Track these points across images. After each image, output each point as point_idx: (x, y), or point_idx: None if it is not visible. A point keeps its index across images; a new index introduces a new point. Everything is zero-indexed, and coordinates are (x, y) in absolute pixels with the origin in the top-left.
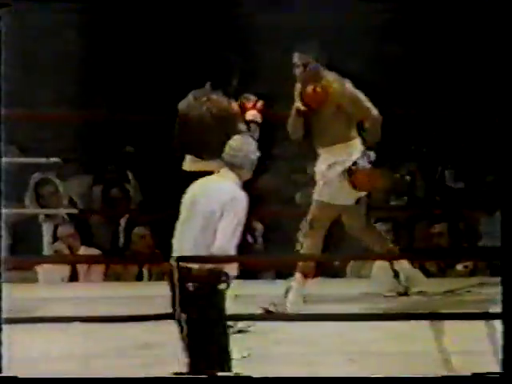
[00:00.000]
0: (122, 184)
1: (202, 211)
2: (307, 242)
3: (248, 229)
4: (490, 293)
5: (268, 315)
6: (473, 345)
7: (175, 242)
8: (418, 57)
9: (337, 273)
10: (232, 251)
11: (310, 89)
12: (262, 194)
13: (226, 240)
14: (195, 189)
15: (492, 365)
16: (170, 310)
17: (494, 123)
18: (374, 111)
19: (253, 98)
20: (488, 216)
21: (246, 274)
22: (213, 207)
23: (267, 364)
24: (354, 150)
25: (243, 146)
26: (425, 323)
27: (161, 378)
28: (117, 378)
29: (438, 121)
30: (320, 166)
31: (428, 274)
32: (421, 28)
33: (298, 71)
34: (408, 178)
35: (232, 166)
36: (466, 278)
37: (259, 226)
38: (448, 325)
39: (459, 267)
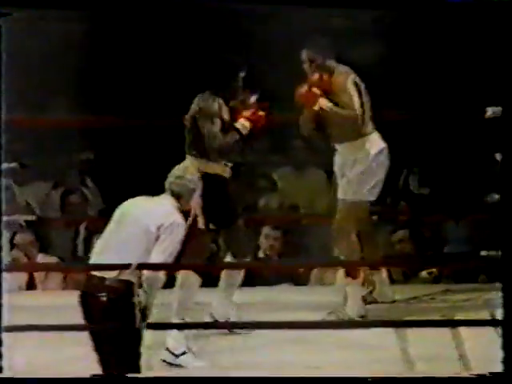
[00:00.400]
0: (80, 190)
1: (137, 229)
2: (341, 246)
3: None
4: (455, 300)
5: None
6: (437, 351)
7: (97, 254)
8: (383, 58)
9: (300, 280)
10: (162, 276)
11: (303, 88)
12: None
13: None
14: (132, 206)
15: (457, 370)
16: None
17: (460, 126)
18: (353, 113)
19: (253, 102)
20: (454, 222)
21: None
22: (150, 227)
23: None
24: (373, 145)
25: (183, 174)
26: (389, 330)
27: (161, 378)
28: (117, 378)
29: (402, 124)
30: (339, 164)
31: (392, 280)
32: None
33: (305, 67)
34: None
35: (172, 193)
36: (431, 284)
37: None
38: (412, 331)
39: (424, 274)
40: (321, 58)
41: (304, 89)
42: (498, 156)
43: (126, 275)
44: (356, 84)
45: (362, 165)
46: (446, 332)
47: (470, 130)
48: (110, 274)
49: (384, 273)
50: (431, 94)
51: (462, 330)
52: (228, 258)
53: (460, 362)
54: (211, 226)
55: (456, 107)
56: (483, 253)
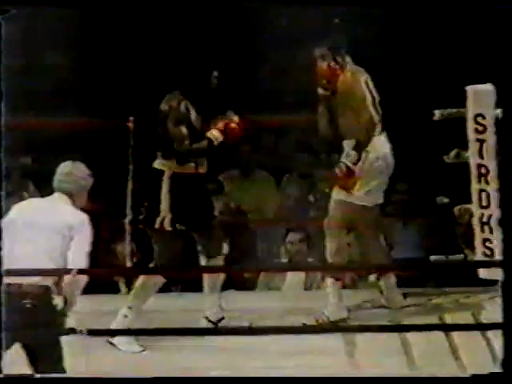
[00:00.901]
0: (21, 193)
1: (49, 233)
2: (329, 245)
3: None
4: (403, 304)
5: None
6: (385, 357)
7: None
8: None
9: (247, 285)
10: (83, 281)
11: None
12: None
13: (83, 262)
14: (30, 210)
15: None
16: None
17: (409, 128)
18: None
19: (232, 118)
20: (402, 225)
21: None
22: (62, 230)
23: None
24: (375, 149)
25: (72, 171)
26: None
27: (161, 378)
28: (117, 378)
29: None
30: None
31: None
32: None
33: (318, 63)
34: (328, 189)
35: (63, 191)
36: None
37: None
38: (361, 337)
39: (372, 278)
40: (332, 56)
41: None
42: (446, 158)
43: (46, 281)
44: (367, 85)
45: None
46: (395, 337)
47: (419, 131)
48: (30, 281)
49: (392, 278)
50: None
51: (410, 336)
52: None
53: (408, 367)
54: (178, 227)
55: (406, 109)
56: (432, 258)
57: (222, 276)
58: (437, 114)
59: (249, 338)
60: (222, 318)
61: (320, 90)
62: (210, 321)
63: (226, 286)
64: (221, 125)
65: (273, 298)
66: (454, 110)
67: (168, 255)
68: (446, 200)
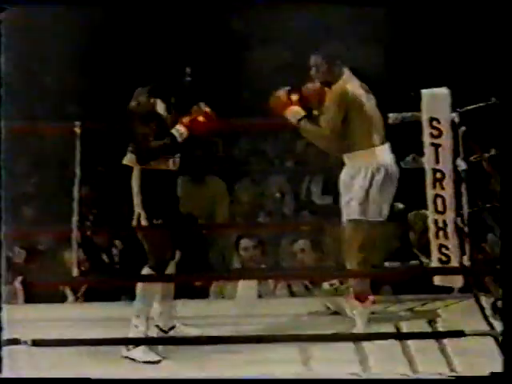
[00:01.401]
0: None
1: None
2: (352, 264)
3: (104, 248)
4: None
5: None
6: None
7: None
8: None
9: (199, 293)
10: None
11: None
12: (123, 210)
13: None
14: None
15: None
16: None
17: None
18: (325, 131)
19: (198, 107)
20: None
21: None
22: None
23: None
24: (373, 160)
25: None
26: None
27: (161, 379)
28: (117, 378)
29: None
30: (343, 179)
31: (292, 293)
32: None
33: (312, 72)
34: (278, 194)
35: None
36: (334, 297)
37: (118, 245)
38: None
39: (326, 286)
40: (326, 65)
41: (280, 93)
42: (402, 164)
43: None
44: (347, 97)
45: (361, 180)
46: (349, 346)
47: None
48: None
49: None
50: None
51: (365, 344)
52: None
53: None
54: (155, 221)
55: None
56: (387, 264)
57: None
58: (391, 117)
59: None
60: (173, 327)
61: (315, 112)
62: (160, 329)
63: (177, 295)
64: (186, 119)
65: (226, 306)
66: (409, 114)
67: (156, 249)
68: (401, 206)
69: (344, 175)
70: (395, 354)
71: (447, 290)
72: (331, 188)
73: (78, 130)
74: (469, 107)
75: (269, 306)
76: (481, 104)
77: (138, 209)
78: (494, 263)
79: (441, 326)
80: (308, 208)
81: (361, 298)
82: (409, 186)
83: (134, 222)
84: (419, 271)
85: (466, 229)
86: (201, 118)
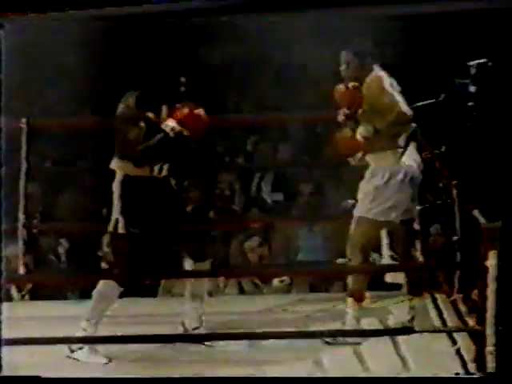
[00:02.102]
0: None
1: None
2: (353, 262)
3: (50, 247)
4: (308, 310)
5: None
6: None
7: None
8: None
9: (148, 292)
10: None
11: (339, 88)
12: (68, 209)
13: None
14: None
15: None
16: None
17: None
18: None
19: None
20: (307, 230)
21: None
22: None
23: None
24: (399, 160)
25: None
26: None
27: (160, 379)
28: (117, 378)
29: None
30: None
31: (242, 290)
32: None
33: (342, 69)
34: (228, 192)
35: None
36: (284, 295)
37: (65, 243)
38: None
39: (275, 283)
40: (357, 61)
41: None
42: (352, 161)
43: None
44: (393, 87)
45: (377, 180)
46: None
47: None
48: None
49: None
50: None
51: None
52: (187, 264)
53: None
54: (131, 230)
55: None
56: (339, 260)
57: (205, 283)
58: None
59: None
60: (197, 328)
61: (341, 117)
62: (185, 328)
63: (126, 293)
64: (178, 113)
65: (175, 304)
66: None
67: (124, 259)
68: (352, 203)
69: (366, 174)
70: (346, 351)
71: (397, 287)
72: (282, 185)
73: (24, 127)
74: (419, 104)
75: (218, 303)
76: (431, 101)
77: (116, 214)
78: (447, 259)
79: (392, 324)
80: (258, 205)
81: (357, 296)
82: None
83: (111, 228)
84: (372, 268)
85: (416, 226)
86: (191, 112)
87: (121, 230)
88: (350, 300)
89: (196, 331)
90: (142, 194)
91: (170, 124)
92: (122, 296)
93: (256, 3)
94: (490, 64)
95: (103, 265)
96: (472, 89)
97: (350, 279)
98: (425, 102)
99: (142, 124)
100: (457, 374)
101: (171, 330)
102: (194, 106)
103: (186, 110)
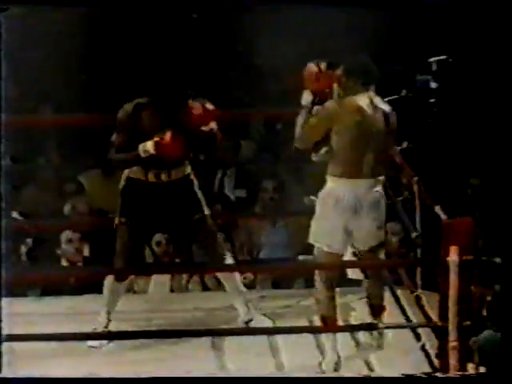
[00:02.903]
0: None
1: None
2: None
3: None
4: (271, 306)
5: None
6: (254, 361)
7: None
8: None
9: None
10: None
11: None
12: (30, 206)
13: None
14: None
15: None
16: None
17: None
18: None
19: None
20: (270, 226)
21: None
22: None
23: None
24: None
25: None
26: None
27: (160, 378)
28: (117, 378)
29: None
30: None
31: (205, 287)
32: None
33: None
34: None
35: None
36: (247, 291)
37: (28, 241)
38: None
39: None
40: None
41: (312, 68)
42: (314, 156)
43: None
44: (332, 116)
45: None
46: (263, 340)
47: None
48: None
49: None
50: None
51: (280, 338)
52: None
53: (276, 368)
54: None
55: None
56: (301, 257)
57: (238, 276)
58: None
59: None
60: (251, 320)
61: (305, 101)
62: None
63: (88, 290)
64: (157, 137)
65: (138, 301)
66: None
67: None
68: (314, 199)
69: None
70: (309, 348)
71: (358, 283)
72: (245, 181)
73: None
74: None
75: (181, 300)
76: (393, 97)
77: (116, 213)
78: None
79: (354, 319)
80: (220, 201)
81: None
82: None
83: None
84: (335, 265)
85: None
86: (166, 139)
87: (116, 222)
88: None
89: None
90: (138, 196)
91: (147, 147)
92: (84, 292)
93: None
94: (451, 60)
95: (63, 262)
96: (433, 85)
97: (318, 308)
98: (387, 98)
99: (127, 132)
100: (428, 373)
101: (135, 327)
102: (176, 133)
103: (167, 137)
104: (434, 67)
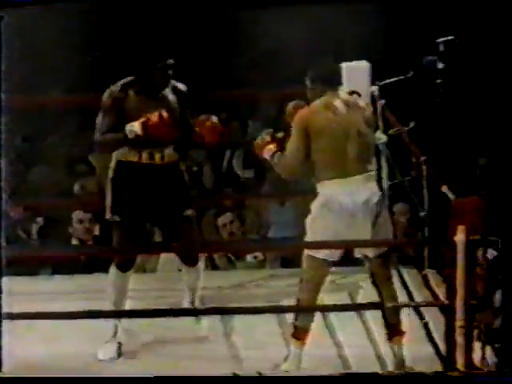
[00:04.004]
0: None
1: None
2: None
3: (21, 223)
4: (281, 285)
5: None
6: (264, 339)
7: None
8: None
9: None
10: None
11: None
12: (43, 185)
13: None
14: None
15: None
16: None
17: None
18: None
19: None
20: (278, 205)
21: None
22: None
23: None
24: (319, 196)
25: None
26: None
27: (160, 378)
28: (117, 377)
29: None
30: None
31: (215, 266)
32: None
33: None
34: (195, 168)
35: None
36: (257, 270)
37: (39, 219)
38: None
39: (249, 259)
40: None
41: (259, 139)
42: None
43: None
44: (304, 123)
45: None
46: (272, 320)
47: None
48: None
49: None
50: None
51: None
52: None
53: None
54: (116, 218)
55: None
56: None
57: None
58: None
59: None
60: None
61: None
62: None
63: (98, 268)
64: (144, 118)
65: (147, 280)
66: None
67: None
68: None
69: None
70: (317, 325)
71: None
72: (252, 162)
73: None
74: (388, 80)
75: None
76: (400, 77)
77: (106, 201)
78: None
79: (361, 299)
80: (229, 182)
81: (299, 334)
82: None
83: (106, 216)
84: (342, 244)
85: (386, 201)
86: (154, 119)
87: (107, 216)
88: (292, 340)
89: None
90: (130, 180)
91: (134, 128)
92: (95, 271)
93: None
94: (457, 41)
95: (74, 241)
96: (440, 65)
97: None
98: (394, 79)
99: (114, 113)
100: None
101: (145, 305)
102: (165, 113)
103: (154, 117)
104: (441, 48)
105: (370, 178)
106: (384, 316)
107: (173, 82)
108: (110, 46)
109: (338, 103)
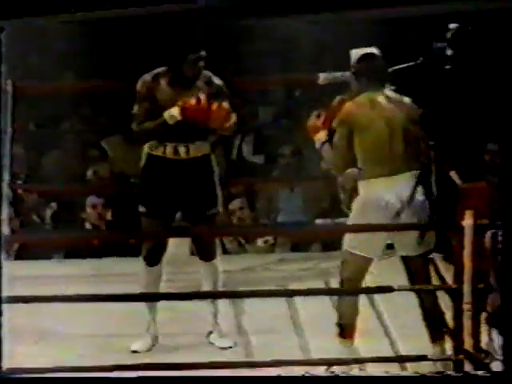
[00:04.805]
0: None
1: None
2: None
3: (35, 208)
4: (290, 269)
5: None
6: (272, 323)
7: None
8: None
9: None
10: None
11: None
12: (56, 170)
13: None
14: None
15: (291, 342)
16: None
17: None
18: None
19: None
20: (288, 191)
21: None
22: None
23: None
24: (361, 193)
25: None
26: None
27: (160, 378)
28: (117, 377)
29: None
30: None
31: (225, 251)
32: None
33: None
34: None
35: None
36: (266, 254)
37: (53, 204)
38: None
39: (259, 243)
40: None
41: (311, 119)
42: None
43: None
44: (348, 118)
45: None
46: (281, 303)
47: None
48: None
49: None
50: None
51: (298, 302)
52: None
53: (295, 333)
54: (142, 210)
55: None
56: (318, 221)
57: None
58: (321, 77)
59: None
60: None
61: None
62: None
63: (107, 253)
64: (182, 102)
65: None
66: (339, 74)
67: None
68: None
69: None
70: (326, 308)
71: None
72: (262, 147)
73: (10, 89)
74: (397, 67)
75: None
76: (409, 64)
77: (138, 193)
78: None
79: (370, 282)
80: (239, 167)
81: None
82: None
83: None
84: (358, 228)
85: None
86: (192, 103)
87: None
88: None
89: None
90: (157, 173)
91: (173, 113)
92: (108, 255)
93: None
94: (467, 28)
95: (87, 226)
96: (449, 52)
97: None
98: (403, 65)
99: (148, 102)
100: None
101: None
102: (202, 96)
103: (192, 101)
104: (451, 34)
105: (416, 176)
106: (426, 320)
107: (209, 74)
108: (141, 37)
109: (382, 99)
